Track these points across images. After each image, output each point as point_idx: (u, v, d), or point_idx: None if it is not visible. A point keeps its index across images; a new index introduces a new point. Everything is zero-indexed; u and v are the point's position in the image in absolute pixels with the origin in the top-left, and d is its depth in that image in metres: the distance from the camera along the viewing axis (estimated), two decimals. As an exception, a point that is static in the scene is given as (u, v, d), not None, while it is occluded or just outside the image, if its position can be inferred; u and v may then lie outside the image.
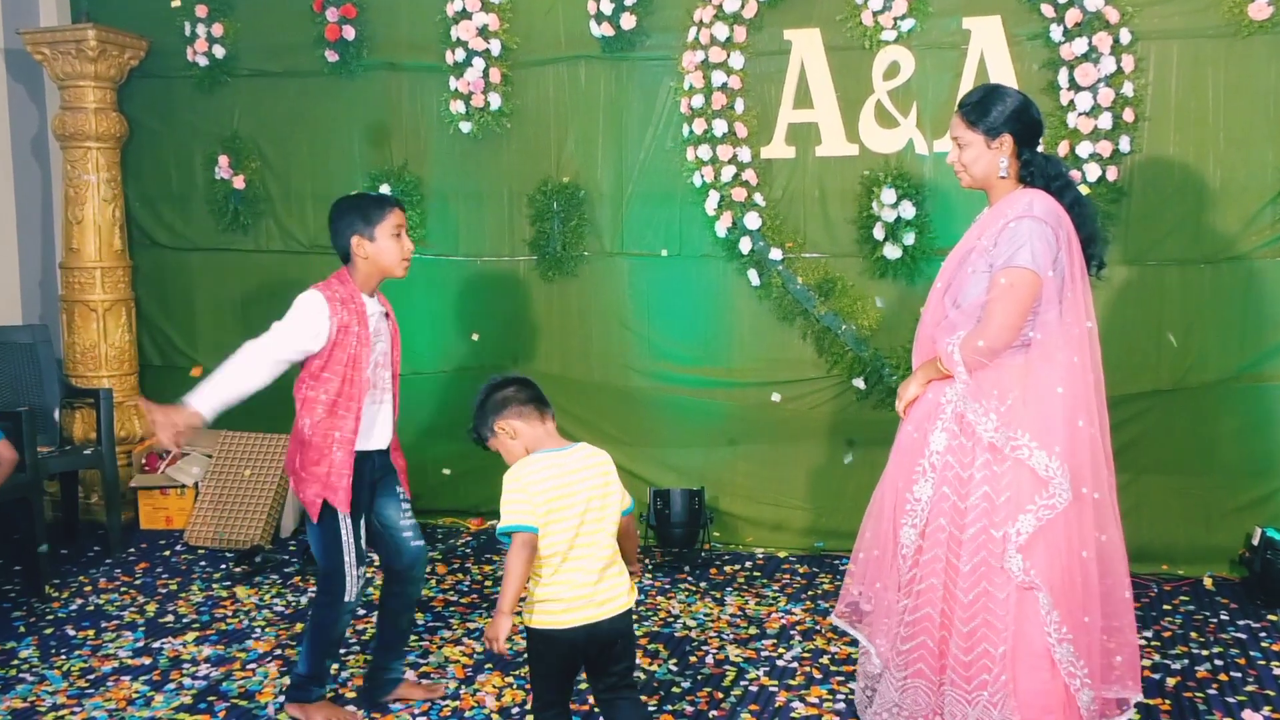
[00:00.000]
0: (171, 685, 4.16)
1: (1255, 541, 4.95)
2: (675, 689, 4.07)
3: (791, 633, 4.58)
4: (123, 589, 5.20)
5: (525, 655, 3.33)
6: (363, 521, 3.78)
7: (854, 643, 3.65)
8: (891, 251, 5.30)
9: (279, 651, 4.44)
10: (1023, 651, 3.20)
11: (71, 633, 4.67)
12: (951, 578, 3.29)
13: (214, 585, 5.24)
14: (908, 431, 3.44)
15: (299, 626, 4.68)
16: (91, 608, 4.96)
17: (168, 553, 5.73)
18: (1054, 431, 3.19)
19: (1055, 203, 3.27)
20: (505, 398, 3.20)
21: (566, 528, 3.02)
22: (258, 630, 4.67)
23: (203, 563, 5.58)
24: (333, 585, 3.70)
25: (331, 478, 3.64)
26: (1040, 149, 3.38)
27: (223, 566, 5.50)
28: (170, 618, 4.84)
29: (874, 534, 3.51)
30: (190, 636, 4.62)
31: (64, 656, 4.42)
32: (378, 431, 3.83)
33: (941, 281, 3.46)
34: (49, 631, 4.68)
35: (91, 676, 4.23)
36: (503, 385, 3.23)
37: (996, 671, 3.20)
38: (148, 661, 4.37)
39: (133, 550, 5.77)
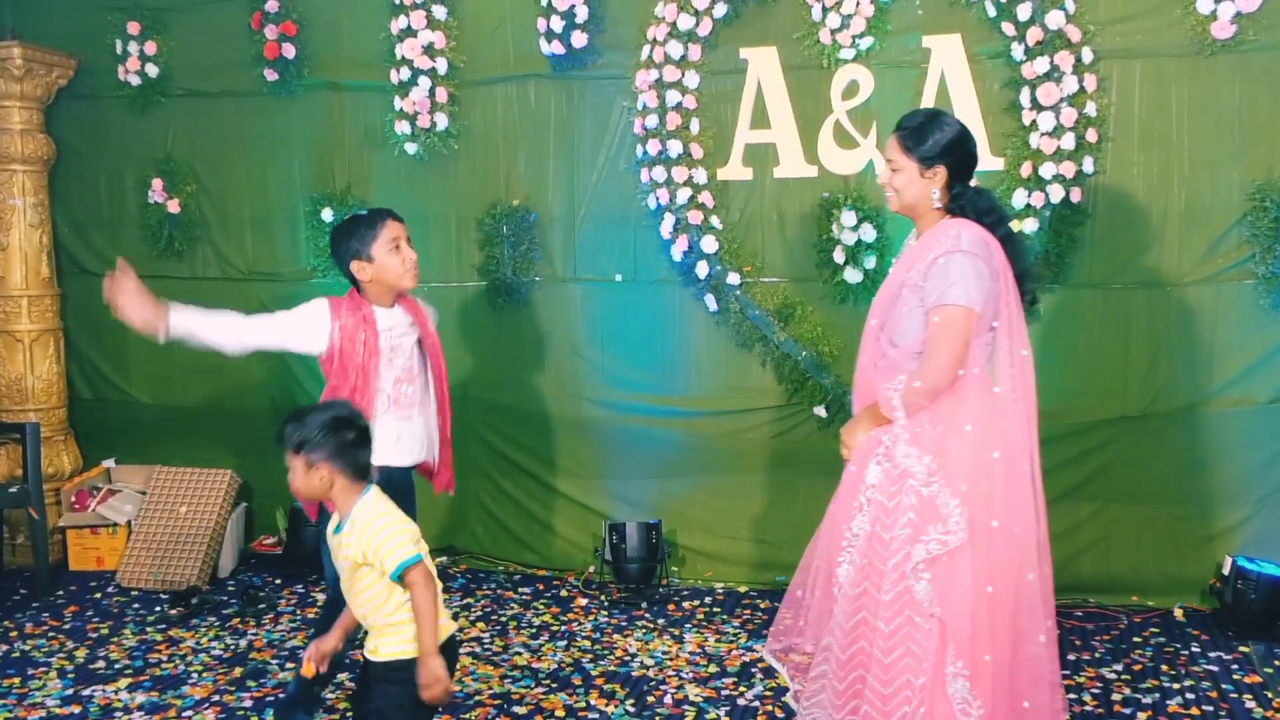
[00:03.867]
0: (102, 736, 4.02)
1: (1226, 571, 4.91)
2: (634, 732, 4.02)
3: (753, 671, 4.53)
4: (50, 634, 5.05)
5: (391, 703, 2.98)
6: None
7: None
8: (852, 275, 5.23)
9: (217, 698, 4.33)
10: (936, 678, 3.17)
11: (-5, 681, 4.52)
12: (872, 610, 3.24)
13: (148, 629, 5.11)
14: (850, 470, 3.41)
15: (238, 671, 4.58)
16: (17, 654, 4.80)
17: (99, 595, 5.59)
18: (959, 467, 3.15)
19: (983, 231, 3.23)
20: (350, 448, 2.91)
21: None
22: (194, 676, 4.54)
23: (136, 605, 5.44)
24: None
25: None
26: (974, 181, 3.34)
27: (157, 609, 5.35)
28: (101, 664, 4.69)
29: (809, 571, 3.49)
30: (123, 683, 4.47)
31: (-14, 708, 4.30)
32: (402, 446, 3.76)
33: (875, 319, 3.41)
34: (-30, 681, 4.55)
35: (16, 728, 4.09)
36: (355, 425, 2.95)
37: (916, 704, 3.15)
38: (77, 710, 4.22)
39: (61, 593, 5.62)
